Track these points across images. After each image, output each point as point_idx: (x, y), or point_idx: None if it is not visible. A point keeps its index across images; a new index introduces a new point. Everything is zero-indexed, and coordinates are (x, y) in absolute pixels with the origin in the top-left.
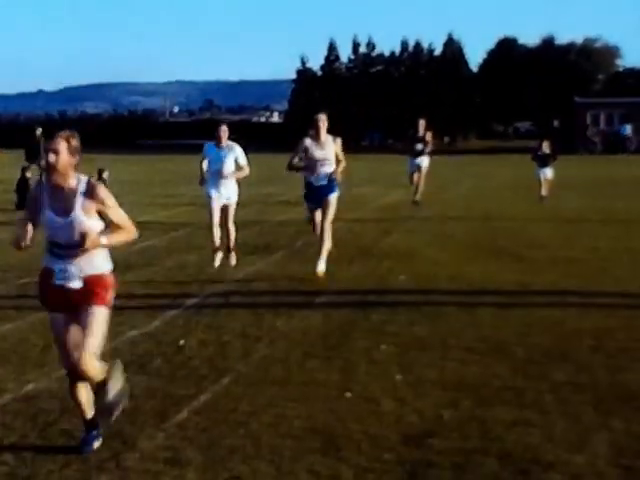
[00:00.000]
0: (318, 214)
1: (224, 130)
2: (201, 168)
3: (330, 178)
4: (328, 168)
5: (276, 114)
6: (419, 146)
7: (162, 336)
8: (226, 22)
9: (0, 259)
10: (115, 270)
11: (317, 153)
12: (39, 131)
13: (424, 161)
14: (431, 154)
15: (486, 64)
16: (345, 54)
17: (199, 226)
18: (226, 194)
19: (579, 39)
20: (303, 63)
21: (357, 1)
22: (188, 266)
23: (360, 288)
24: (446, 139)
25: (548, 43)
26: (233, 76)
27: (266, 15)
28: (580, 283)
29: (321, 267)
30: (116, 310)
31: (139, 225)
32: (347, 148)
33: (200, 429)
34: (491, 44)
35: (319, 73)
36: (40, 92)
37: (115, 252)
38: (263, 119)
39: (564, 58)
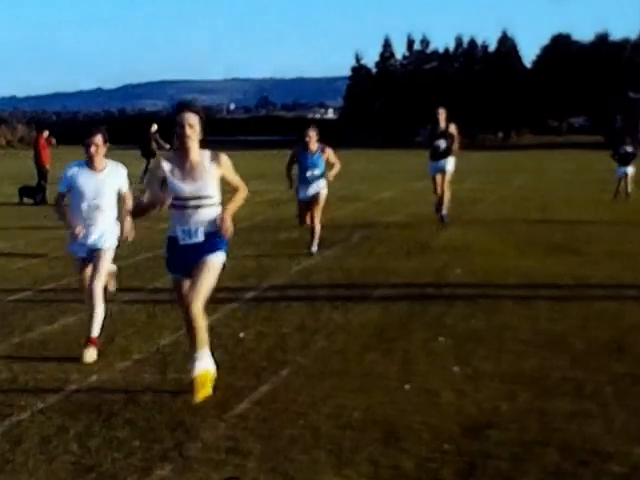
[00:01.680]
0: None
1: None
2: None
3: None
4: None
5: (331, 111)
6: (441, 143)
7: (222, 329)
8: (282, 20)
9: (63, 252)
10: None
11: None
12: (154, 127)
13: (449, 163)
14: (458, 149)
15: (540, 60)
16: (400, 51)
17: (257, 221)
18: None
19: (634, 35)
20: (358, 60)
21: None
22: (247, 259)
23: (417, 281)
24: (500, 134)
25: (602, 39)
26: (288, 73)
27: (321, 13)
28: (638, 276)
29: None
30: (176, 304)
31: None
32: (401, 144)
33: (260, 420)
34: (545, 40)
35: (374, 70)
36: (99, 90)
37: None
38: (318, 116)
39: (618, 54)
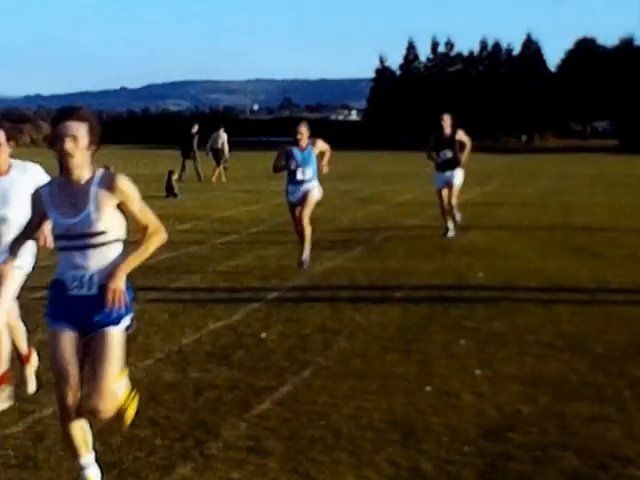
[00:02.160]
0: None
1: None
2: None
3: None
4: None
5: (354, 112)
6: (447, 153)
7: (244, 328)
8: (306, 21)
9: None
10: (196, 264)
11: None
12: (195, 128)
13: (456, 176)
14: (467, 157)
15: (564, 64)
16: (424, 53)
17: (279, 222)
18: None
19: None
20: (382, 62)
21: (436, 1)
22: (269, 260)
23: (439, 284)
24: (523, 137)
25: (627, 43)
26: (312, 74)
27: (346, 14)
28: None
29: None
30: (199, 303)
31: (221, 220)
32: (424, 146)
33: (281, 420)
34: (569, 44)
35: (398, 72)
36: (123, 89)
37: (196, 247)
38: (341, 117)
39: None
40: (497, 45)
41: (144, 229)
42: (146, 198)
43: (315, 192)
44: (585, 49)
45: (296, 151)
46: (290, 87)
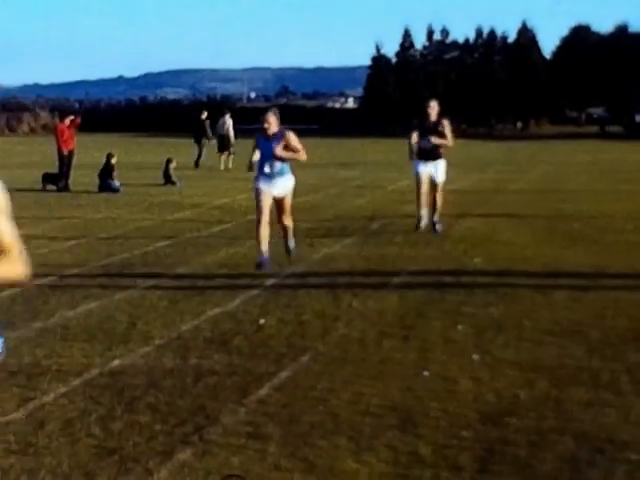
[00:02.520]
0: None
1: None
2: None
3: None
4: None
5: (351, 100)
6: (428, 142)
7: (243, 315)
8: (302, 9)
9: (85, 238)
10: (194, 251)
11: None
12: (204, 115)
13: (440, 170)
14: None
15: (559, 51)
16: (420, 41)
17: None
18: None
19: None
20: (378, 50)
21: None
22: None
23: (436, 270)
24: (519, 124)
25: (622, 30)
26: (309, 62)
27: (342, 2)
28: None
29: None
30: (198, 290)
31: (218, 208)
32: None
33: (280, 405)
34: (564, 32)
35: (394, 60)
36: (121, 78)
37: (195, 234)
38: (338, 105)
39: (638, 45)
40: (492, 33)
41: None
42: (145, 186)
43: (289, 188)
44: (580, 36)
45: (262, 140)
46: (287, 75)
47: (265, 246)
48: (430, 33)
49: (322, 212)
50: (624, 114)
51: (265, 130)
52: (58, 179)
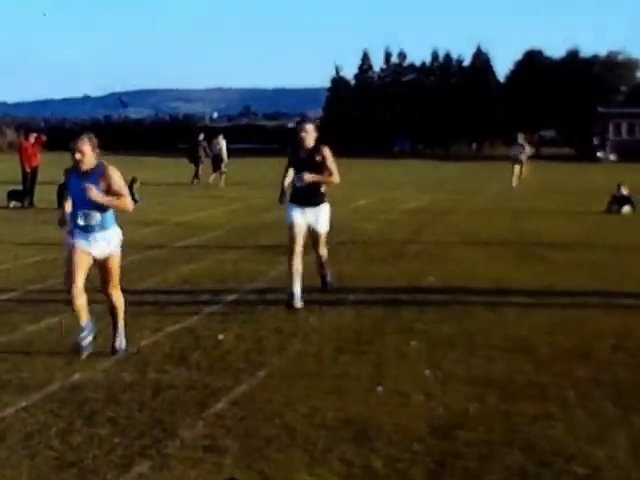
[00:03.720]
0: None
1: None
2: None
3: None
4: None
5: None
6: (301, 179)
7: (202, 330)
8: (264, 32)
9: (49, 254)
10: (156, 267)
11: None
12: (202, 136)
13: (322, 217)
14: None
15: (513, 75)
16: (378, 64)
17: (237, 226)
18: None
19: (602, 52)
20: (337, 72)
21: (389, 13)
22: (226, 263)
23: (392, 287)
24: (474, 145)
25: (573, 55)
26: (270, 84)
27: (302, 26)
28: (602, 284)
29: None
30: (158, 306)
31: (179, 226)
32: (378, 153)
33: (237, 419)
34: (518, 56)
35: (352, 82)
36: (86, 97)
37: (156, 250)
38: None
39: (588, 70)
40: (448, 56)
41: None
42: None
43: (115, 248)
44: (533, 60)
45: (73, 178)
46: (249, 95)
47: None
48: (388, 56)
49: (281, 229)
50: (575, 136)
51: (77, 163)
52: (23, 196)
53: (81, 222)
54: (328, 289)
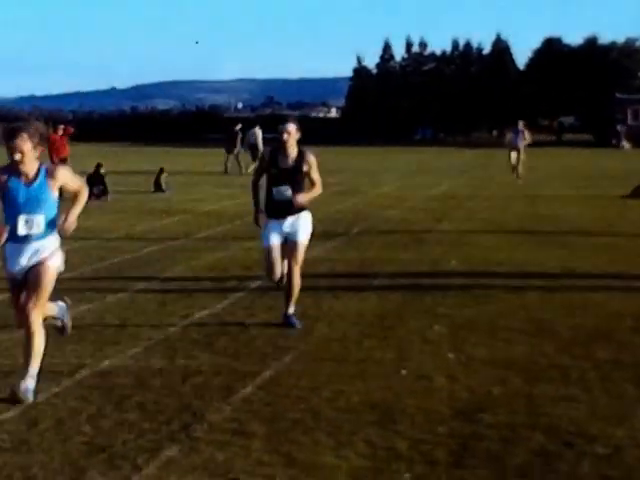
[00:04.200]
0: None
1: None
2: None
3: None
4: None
5: (334, 110)
6: (285, 191)
7: (228, 317)
8: (287, 23)
9: (77, 243)
10: (182, 255)
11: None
12: (238, 126)
13: (302, 227)
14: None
15: (532, 62)
16: (399, 53)
17: None
18: None
19: (621, 39)
20: (359, 62)
21: (410, 3)
22: (252, 251)
23: (414, 272)
24: (494, 133)
25: (591, 42)
26: (293, 74)
27: (324, 17)
28: (622, 267)
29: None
30: (185, 293)
31: (205, 215)
32: (400, 141)
33: (264, 403)
34: (537, 43)
35: (374, 71)
36: (113, 89)
37: (183, 239)
38: (321, 114)
39: (606, 57)
40: (468, 45)
41: None
42: (135, 193)
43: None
44: (552, 48)
45: (13, 181)
46: (272, 86)
47: None
48: (409, 45)
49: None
50: (594, 123)
51: (17, 164)
52: None
53: (23, 231)
54: (288, 324)
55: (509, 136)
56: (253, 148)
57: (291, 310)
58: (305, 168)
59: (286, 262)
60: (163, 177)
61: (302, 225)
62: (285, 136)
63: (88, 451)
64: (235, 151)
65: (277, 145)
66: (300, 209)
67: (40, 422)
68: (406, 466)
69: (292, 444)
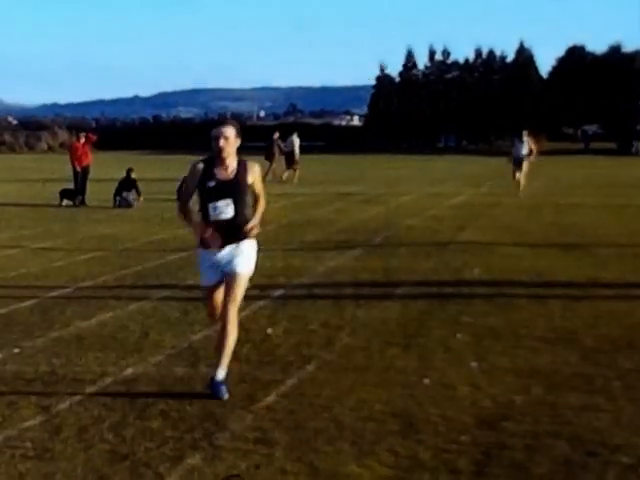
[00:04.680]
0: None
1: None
2: None
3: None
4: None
5: (356, 118)
6: (227, 211)
7: (251, 325)
8: (309, 31)
9: (100, 251)
10: None
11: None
12: (276, 135)
13: (240, 251)
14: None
15: (556, 70)
16: (422, 61)
17: (284, 223)
18: None
19: None
20: (382, 70)
21: (433, 12)
22: (274, 260)
23: (437, 280)
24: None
25: (615, 50)
26: (316, 82)
27: (347, 25)
28: None
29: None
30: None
31: None
32: (422, 150)
33: (287, 412)
34: (561, 52)
35: (397, 79)
36: (136, 97)
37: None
38: (344, 123)
39: (630, 65)
40: (491, 53)
41: None
42: (158, 201)
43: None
44: (575, 56)
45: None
46: (295, 94)
47: None
48: (432, 54)
49: (327, 226)
50: (618, 131)
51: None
52: (74, 195)
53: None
54: (213, 393)
55: (516, 149)
56: (290, 155)
57: (220, 375)
58: (250, 180)
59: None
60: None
61: (244, 252)
62: (222, 142)
63: (111, 459)
64: (275, 159)
65: (212, 155)
66: (244, 236)
67: (63, 430)
68: (429, 475)
69: (315, 453)
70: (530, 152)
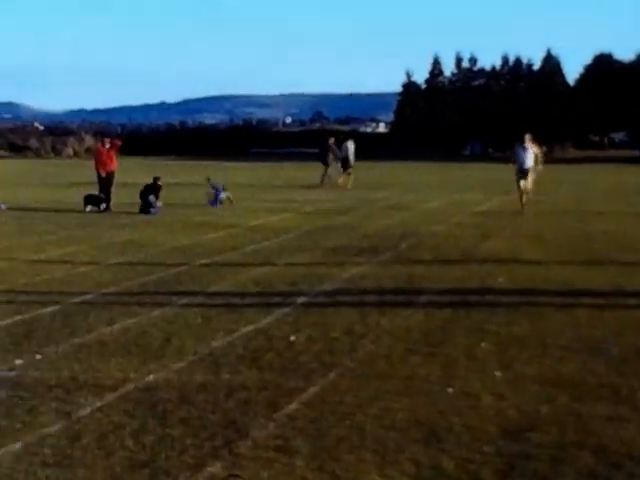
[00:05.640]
0: None
1: None
2: None
3: None
4: None
5: (382, 125)
6: None
7: (274, 332)
8: (335, 38)
9: (124, 257)
10: (228, 270)
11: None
12: (331, 140)
13: None
14: None
15: (583, 78)
16: (448, 68)
17: (307, 229)
18: None
19: None
20: (408, 77)
21: (460, 19)
22: (297, 267)
23: (461, 288)
24: (544, 149)
25: None
26: (342, 89)
27: (374, 32)
28: None
29: None
30: (231, 307)
31: (251, 230)
32: (448, 157)
33: (309, 420)
34: (588, 60)
35: (423, 86)
36: (162, 103)
37: (229, 253)
38: (369, 129)
39: None
40: (518, 60)
41: None
42: (182, 207)
43: None
44: (603, 64)
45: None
46: (321, 101)
47: None
48: (458, 61)
49: (353, 232)
50: None
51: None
52: (99, 200)
53: None
54: None
55: (519, 156)
56: (345, 160)
57: None
58: None
59: None
60: (227, 194)
61: None
62: None
63: (131, 466)
64: (330, 164)
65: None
66: None
67: (83, 436)
68: None
69: (337, 462)
70: (536, 159)
